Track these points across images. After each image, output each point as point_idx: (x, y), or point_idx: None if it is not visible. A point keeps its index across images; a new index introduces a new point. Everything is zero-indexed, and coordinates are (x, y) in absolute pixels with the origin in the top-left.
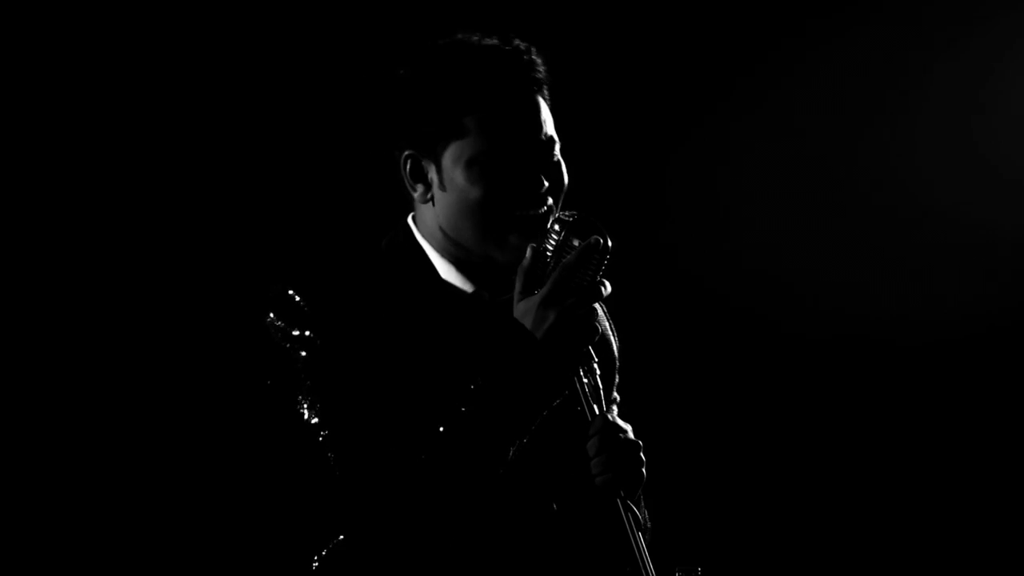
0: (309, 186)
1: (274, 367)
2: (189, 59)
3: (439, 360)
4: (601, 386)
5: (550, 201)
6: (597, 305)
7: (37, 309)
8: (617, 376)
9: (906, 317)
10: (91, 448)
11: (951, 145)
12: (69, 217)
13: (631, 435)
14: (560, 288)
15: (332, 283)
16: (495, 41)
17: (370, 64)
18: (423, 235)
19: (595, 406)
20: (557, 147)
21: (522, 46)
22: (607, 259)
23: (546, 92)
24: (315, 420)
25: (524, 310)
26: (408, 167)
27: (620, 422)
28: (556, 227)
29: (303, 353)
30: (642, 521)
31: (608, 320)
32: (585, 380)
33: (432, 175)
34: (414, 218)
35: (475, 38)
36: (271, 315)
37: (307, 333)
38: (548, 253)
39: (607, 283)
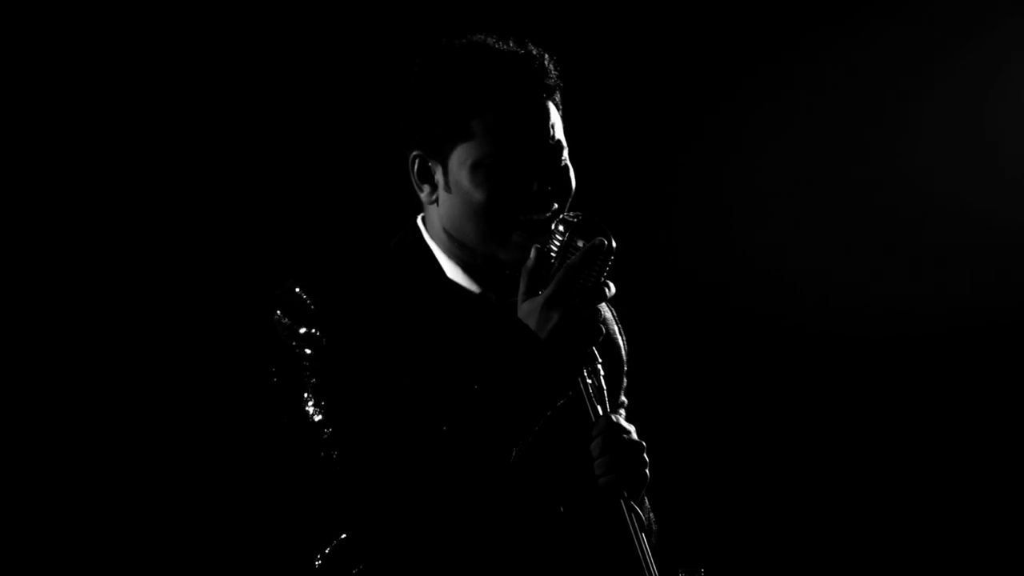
0: (322, 185)
1: (280, 364)
2: (204, 60)
3: (444, 360)
4: (605, 387)
5: (555, 206)
6: (605, 308)
7: (43, 306)
8: (625, 379)
9: (914, 315)
10: (94, 445)
11: (958, 143)
12: (81, 216)
13: (635, 436)
14: (564, 289)
15: (339, 282)
16: (506, 45)
17: (384, 63)
18: (431, 236)
19: (599, 407)
20: (565, 152)
21: (534, 51)
22: (611, 260)
23: (557, 97)
24: (319, 418)
25: (528, 311)
26: (416, 167)
27: (624, 423)
28: (560, 228)
29: (308, 351)
30: (646, 522)
31: (616, 323)
32: (589, 381)
33: (439, 176)
34: (423, 219)
35: (487, 40)
36: (278, 312)
37: (313, 331)
38: (552, 254)
39: (611, 284)
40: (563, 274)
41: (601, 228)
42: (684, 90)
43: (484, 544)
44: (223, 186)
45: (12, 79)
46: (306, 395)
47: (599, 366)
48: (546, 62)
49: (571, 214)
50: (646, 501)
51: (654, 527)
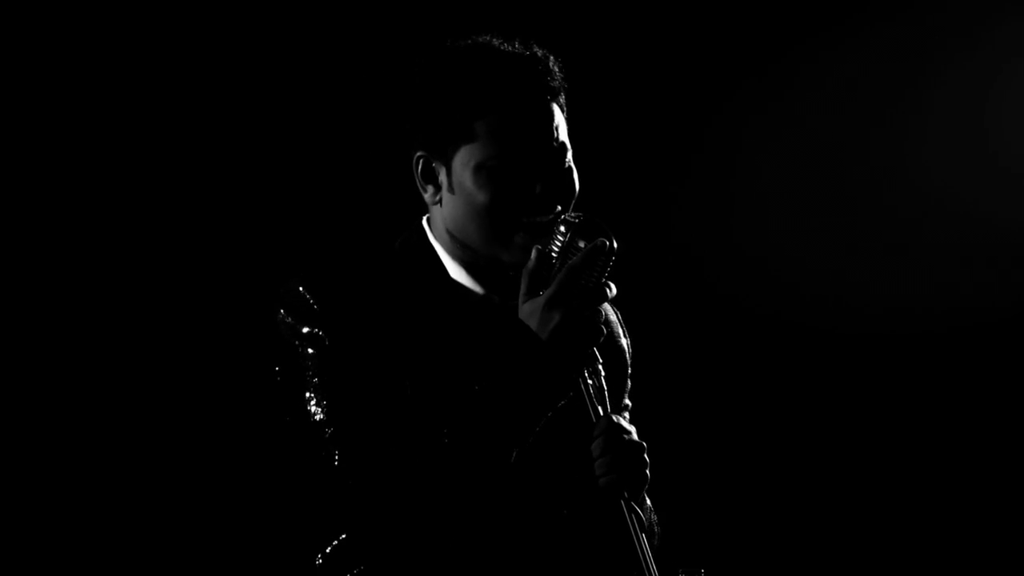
0: (327, 184)
1: (283, 363)
2: (210, 60)
3: (446, 361)
4: (606, 387)
5: (558, 208)
6: (611, 311)
7: (49, 304)
8: (629, 382)
9: (915, 314)
10: (96, 443)
11: (960, 143)
12: (87, 215)
13: (636, 436)
14: (565, 289)
15: (343, 282)
16: (511, 46)
17: (389, 63)
18: (435, 236)
19: (599, 407)
20: (569, 154)
21: (539, 52)
22: (613, 261)
23: (562, 99)
24: (321, 417)
25: (529, 311)
26: (420, 168)
27: (624, 423)
28: (561, 228)
29: (311, 350)
30: (647, 523)
31: (621, 326)
32: (590, 381)
33: (442, 177)
34: (428, 219)
35: (492, 41)
36: (281, 311)
37: (316, 331)
38: (553, 254)
39: (612, 285)
40: (564, 275)
41: (603, 229)
42: (688, 91)
43: (485, 544)
44: (229, 186)
45: (14, 80)
46: (308, 394)
47: (600, 366)
48: (551, 64)
49: (572, 215)
50: (648, 501)
51: (657, 528)
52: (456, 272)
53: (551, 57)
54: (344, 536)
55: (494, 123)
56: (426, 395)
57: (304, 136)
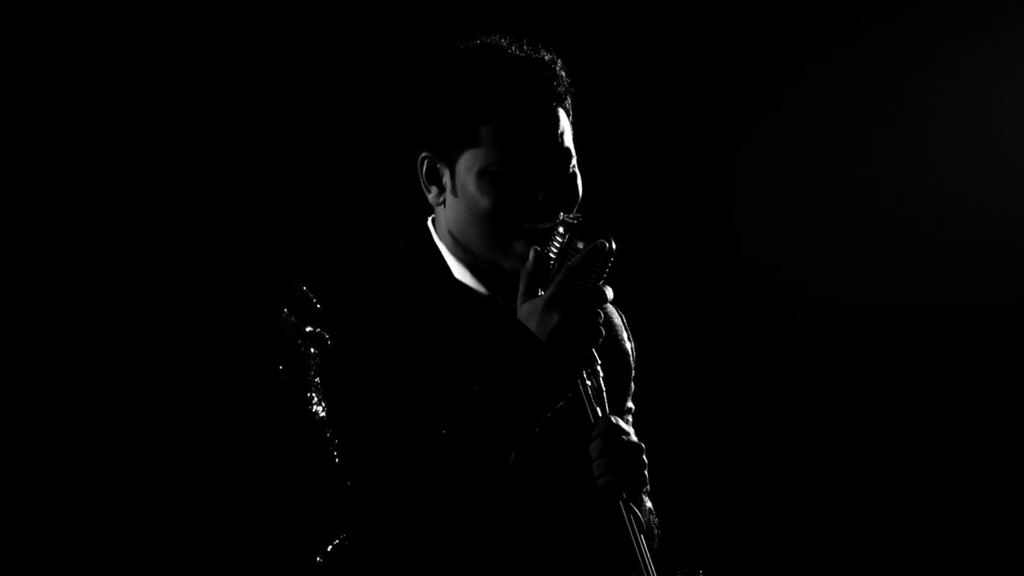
0: (332, 184)
1: (286, 363)
2: (217, 61)
3: (448, 362)
4: (605, 389)
5: (561, 215)
6: (614, 313)
7: (54, 303)
8: (632, 385)
9: (916, 313)
10: (98, 441)
11: (962, 144)
12: (93, 216)
13: (634, 437)
14: (564, 291)
15: (347, 282)
16: (518, 50)
17: (397, 64)
18: (439, 237)
19: (598, 408)
20: (574, 160)
21: (546, 56)
22: (612, 262)
23: (567, 103)
24: (323, 416)
25: (528, 312)
26: (424, 169)
27: (623, 424)
28: (560, 229)
29: (314, 350)
30: (646, 524)
31: (625, 329)
32: (588, 382)
33: (446, 179)
34: (433, 220)
35: (500, 44)
36: (285, 311)
37: (319, 331)
38: (552, 256)
39: (609, 288)
40: (563, 276)
41: (601, 230)
42: (692, 92)
43: (484, 544)
44: (234, 185)
45: (16, 80)
46: (310, 394)
47: (599, 367)
48: (557, 68)
49: (571, 216)
50: (648, 503)
51: (657, 531)
52: (460, 273)
53: (558, 61)
54: (344, 535)
55: (499, 128)
56: (427, 395)
57: (310, 136)
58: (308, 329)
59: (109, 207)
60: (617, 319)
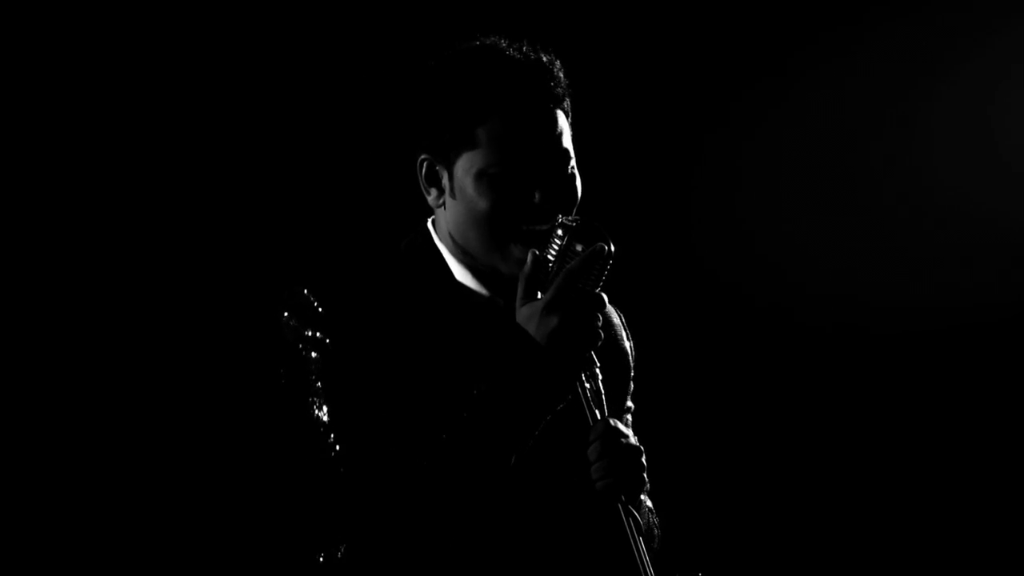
0: (333, 186)
1: (287, 367)
2: (216, 63)
3: (449, 365)
4: (604, 391)
5: (560, 217)
6: (613, 313)
7: (56, 309)
8: (632, 384)
9: (916, 312)
10: (99, 444)
11: (966, 143)
12: (92, 219)
13: (633, 440)
14: (563, 294)
15: (347, 285)
16: (516, 51)
17: (396, 65)
18: (440, 239)
19: (597, 411)
20: (572, 161)
21: (544, 57)
22: (610, 265)
23: (566, 104)
24: (324, 420)
25: (527, 316)
26: (424, 171)
27: (622, 427)
28: (559, 232)
29: (315, 354)
30: (645, 525)
31: (624, 328)
32: (587, 385)
33: (445, 181)
34: (433, 221)
35: (498, 45)
36: (286, 315)
37: (319, 334)
38: (550, 258)
39: (604, 295)
40: (562, 279)
41: (600, 233)
42: (697, 92)
43: (484, 548)
44: (234, 188)
45: (15, 80)
46: (312, 398)
47: (597, 370)
48: (555, 69)
49: (570, 218)
50: (648, 502)
51: (657, 531)
52: (461, 275)
53: (556, 62)
54: (346, 539)
55: (496, 130)
56: (428, 399)
57: (309, 138)
58: (309, 333)
59: (108, 210)
60: (616, 318)
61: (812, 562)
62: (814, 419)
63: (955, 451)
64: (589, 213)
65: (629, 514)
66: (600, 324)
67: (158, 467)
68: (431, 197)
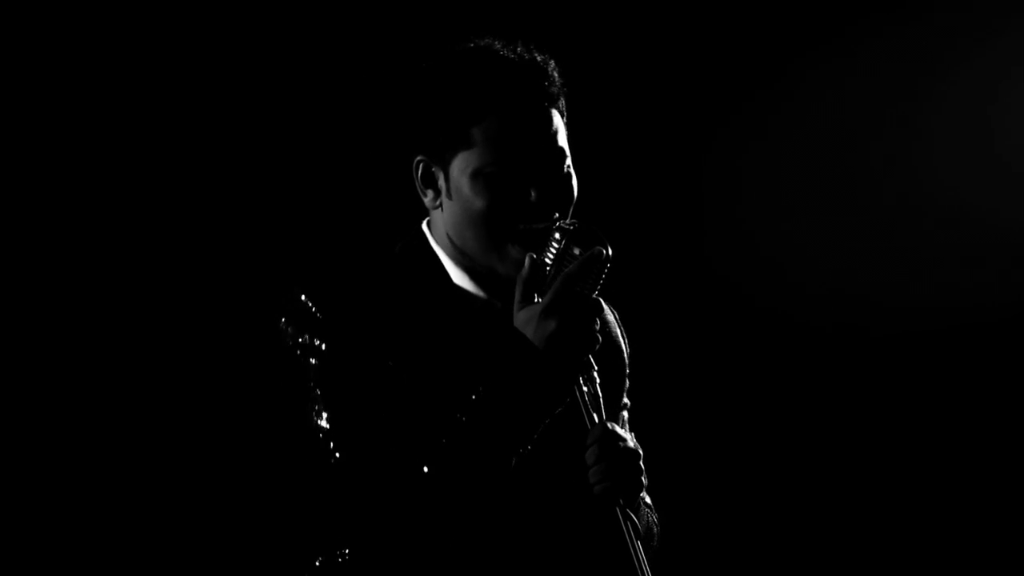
0: (327, 190)
1: (285, 372)
2: (210, 65)
3: (447, 369)
4: (601, 394)
5: (556, 216)
6: (607, 310)
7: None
8: (627, 381)
9: (919, 314)
10: (98, 449)
11: (966, 143)
12: (89, 222)
13: (631, 443)
14: (561, 298)
15: (345, 290)
16: (511, 51)
17: (391, 67)
18: (436, 241)
19: (595, 414)
20: (568, 160)
21: (538, 57)
22: (608, 269)
23: (561, 104)
24: (323, 425)
25: (525, 319)
26: (420, 172)
27: (620, 430)
28: (556, 235)
29: (313, 360)
30: (645, 526)
31: (619, 325)
32: (585, 388)
33: (441, 182)
34: (429, 223)
35: (493, 46)
36: (284, 320)
37: (318, 340)
38: (548, 262)
39: (601, 300)
40: (560, 283)
41: (598, 236)
42: (698, 93)
43: (483, 551)
44: (229, 192)
45: (15, 81)
46: (310, 404)
47: (595, 374)
48: (550, 69)
49: (567, 222)
50: (648, 499)
51: (656, 528)
52: (458, 277)
53: (551, 62)
54: (346, 544)
55: (491, 130)
56: (426, 404)
57: (304, 141)
58: (307, 339)
59: (107, 212)
60: (610, 316)
61: (812, 562)
62: (814, 419)
63: (955, 451)
64: (588, 214)
65: (627, 518)
66: (598, 328)
67: (160, 475)
68: (427, 198)
